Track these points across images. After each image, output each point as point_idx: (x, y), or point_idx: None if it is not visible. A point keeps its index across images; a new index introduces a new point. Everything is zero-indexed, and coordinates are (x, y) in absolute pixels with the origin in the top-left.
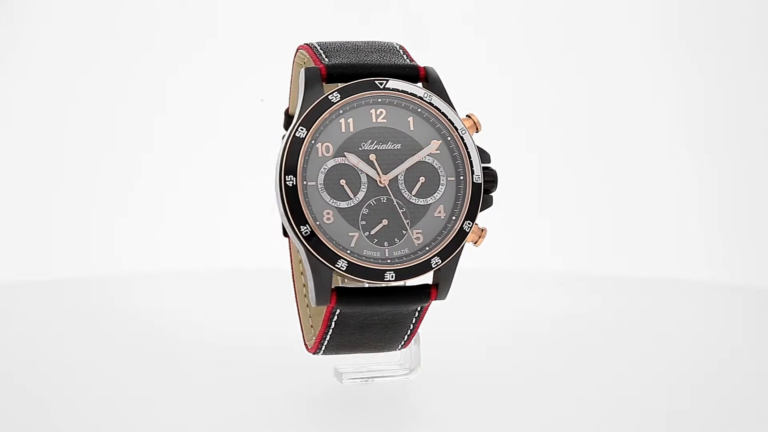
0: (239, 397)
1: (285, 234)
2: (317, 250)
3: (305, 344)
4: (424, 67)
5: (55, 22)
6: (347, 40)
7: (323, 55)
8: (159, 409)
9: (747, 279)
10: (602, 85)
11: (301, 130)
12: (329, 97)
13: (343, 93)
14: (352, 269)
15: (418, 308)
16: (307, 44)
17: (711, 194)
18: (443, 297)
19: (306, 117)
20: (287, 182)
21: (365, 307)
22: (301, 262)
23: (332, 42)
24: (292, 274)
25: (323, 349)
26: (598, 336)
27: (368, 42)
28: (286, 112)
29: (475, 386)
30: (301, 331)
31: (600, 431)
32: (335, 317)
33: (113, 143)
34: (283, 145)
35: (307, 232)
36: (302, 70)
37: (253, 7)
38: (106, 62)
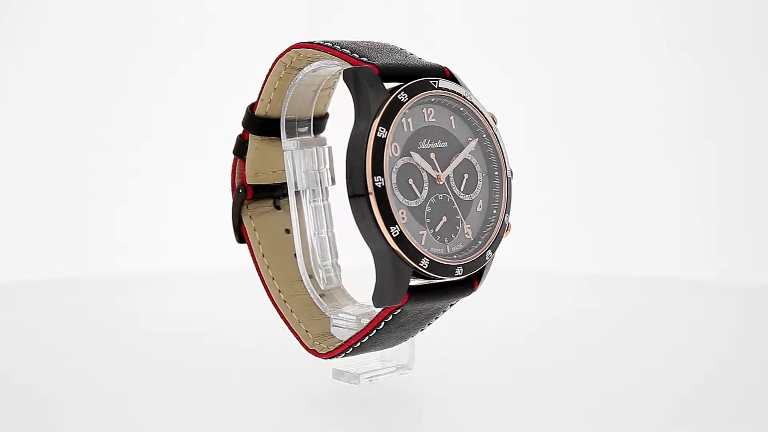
0: (238, 397)
1: (241, 240)
2: (405, 250)
3: (308, 349)
4: (445, 67)
5: (55, 24)
6: (347, 40)
7: (356, 55)
8: (158, 409)
9: (747, 279)
10: (603, 85)
11: (382, 130)
12: (398, 96)
13: (409, 93)
14: (432, 267)
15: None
16: (318, 43)
17: (711, 194)
18: (478, 288)
19: (383, 117)
20: (376, 183)
21: (426, 303)
22: (270, 271)
23: (345, 41)
24: (264, 286)
25: (351, 350)
26: (597, 335)
27: (373, 42)
28: (251, 111)
29: (475, 385)
30: (295, 337)
31: (599, 430)
32: (390, 317)
33: (113, 144)
34: (365, 145)
35: (396, 233)
36: (353, 70)
37: (252, 7)
38: (106, 63)
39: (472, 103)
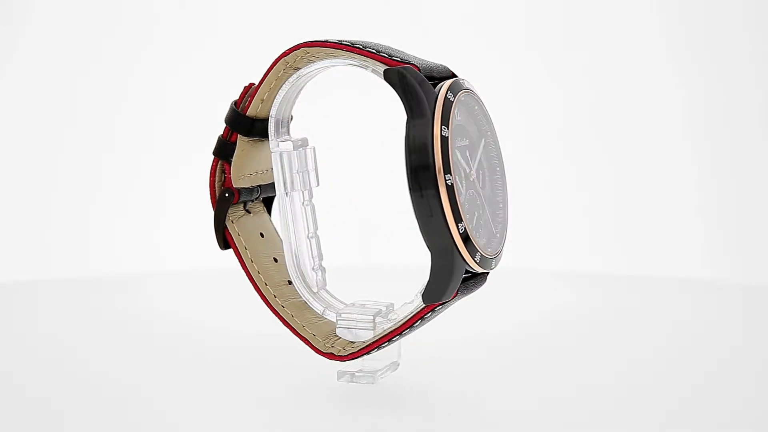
0: (239, 397)
1: (226, 246)
2: (468, 247)
3: (321, 353)
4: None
5: (55, 24)
6: (360, 40)
7: (385, 54)
8: (158, 409)
9: (748, 278)
10: (605, 84)
11: (444, 129)
12: (447, 95)
13: (453, 92)
14: (481, 261)
15: None
16: (335, 42)
17: (712, 194)
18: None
19: (443, 116)
20: (447, 182)
21: (463, 296)
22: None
23: (361, 41)
24: (259, 292)
25: (376, 350)
26: (597, 335)
27: (381, 43)
28: (237, 109)
29: (475, 385)
30: (304, 342)
31: (599, 429)
32: (429, 313)
33: (113, 144)
34: (430, 144)
35: (462, 230)
36: (399, 70)
37: (252, 7)
38: (107, 63)
39: (482, 102)
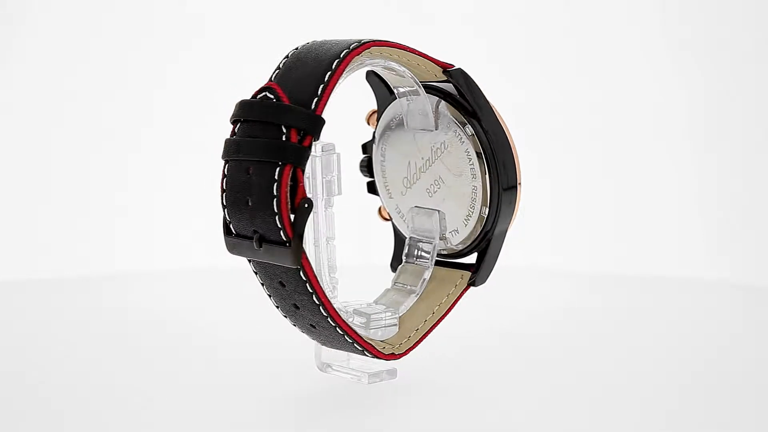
0: (238, 396)
1: (297, 263)
2: None
3: (383, 356)
4: None
5: (54, 22)
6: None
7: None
8: (158, 408)
9: (748, 278)
10: (604, 83)
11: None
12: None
13: None
14: None
15: None
16: (395, 42)
17: (712, 193)
18: None
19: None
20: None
21: None
22: None
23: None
24: (331, 309)
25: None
26: (596, 334)
27: None
28: (313, 112)
29: (474, 384)
30: (370, 350)
31: (598, 428)
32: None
33: (112, 144)
34: (507, 139)
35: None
36: (461, 70)
37: (245, 6)
38: (104, 64)
39: None
